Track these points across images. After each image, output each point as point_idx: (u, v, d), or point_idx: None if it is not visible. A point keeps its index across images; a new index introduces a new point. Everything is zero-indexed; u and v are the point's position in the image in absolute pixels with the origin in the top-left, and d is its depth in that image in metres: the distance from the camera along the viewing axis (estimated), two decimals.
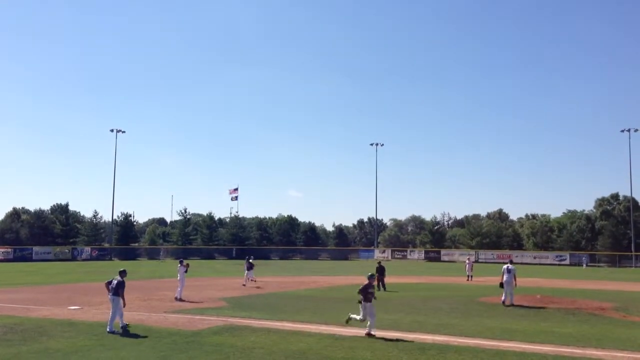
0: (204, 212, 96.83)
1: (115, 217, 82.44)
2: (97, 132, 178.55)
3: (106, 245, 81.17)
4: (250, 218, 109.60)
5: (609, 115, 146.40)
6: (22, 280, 34.49)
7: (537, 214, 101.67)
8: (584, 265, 64.95)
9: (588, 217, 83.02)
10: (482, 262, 66.45)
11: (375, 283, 14.49)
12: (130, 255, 73.84)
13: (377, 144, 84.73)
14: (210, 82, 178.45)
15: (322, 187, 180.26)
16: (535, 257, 70.60)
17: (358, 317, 14.26)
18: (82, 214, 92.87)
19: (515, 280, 21.52)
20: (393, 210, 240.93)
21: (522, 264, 61.26)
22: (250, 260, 31.60)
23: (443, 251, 79.82)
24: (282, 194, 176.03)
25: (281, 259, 76.16)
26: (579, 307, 20.25)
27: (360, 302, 14.17)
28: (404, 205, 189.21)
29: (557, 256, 70.14)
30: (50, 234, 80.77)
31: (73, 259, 67.67)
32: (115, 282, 15.00)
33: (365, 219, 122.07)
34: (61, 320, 16.16)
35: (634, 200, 74.45)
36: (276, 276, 39.34)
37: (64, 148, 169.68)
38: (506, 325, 15.82)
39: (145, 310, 18.67)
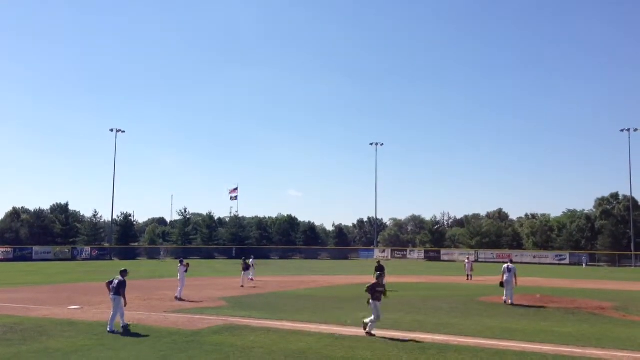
0: (204, 212, 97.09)
1: (115, 216, 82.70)
2: (97, 132, 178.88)
3: (106, 245, 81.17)
4: (250, 218, 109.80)
5: (608, 115, 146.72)
6: (22, 280, 34.50)
7: (536, 214, 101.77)
8: (584, 264, 64.97)
9: (588, 217, 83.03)
10: (482, 262, 66.49)
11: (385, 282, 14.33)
12: (130, 255, 73.83)
13: (376, 144, 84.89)
14: (210, 82, 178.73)
15: (322, 186, 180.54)
16: (535, 257, 70.60)
17: (372, 318, 13.95)
18: (82, 214, 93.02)
19: (515, 279, 21.56)
20: (393, 209, 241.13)
21: (521, 263, 61.26)
22: (249, 261, 31.63)
23: (443, 251, 79.84)
24: (282, 193, 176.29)
25: (281, 258, 76.18)
26: (578, 307, 20.26)
27: (368, 301, 14.04)
28: (404, 205, 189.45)
29: (556, 256, 70.14)
30: (50, 233, 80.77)
31: (73, 258, 67.68)
32: (116, 281, 15.01)
33: (365, 219, 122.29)
34: (61, 320, 16.16)
35: (633, 200, 74.48)
36: (276, 276, 39.36)
37: (64, 148, 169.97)
38: (506, 325, 15.82)
39: (145, 310, 18.67)
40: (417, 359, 11.24)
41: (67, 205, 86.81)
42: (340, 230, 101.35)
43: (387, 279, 29.06)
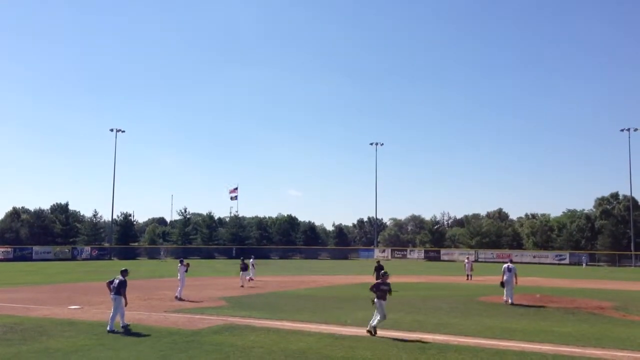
0: (204, 212, 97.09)
1: (115, 216, 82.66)
2: (96, 132, 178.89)
3: (106, 244, 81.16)
4: (250, 217, 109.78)
5: (608, 115, 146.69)
6: (22, 279, 34.50)
7: (536, 214, 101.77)
8: (584, 264, 64.96)
9: (588, 217, 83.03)
10: (481, 262, 66.49)
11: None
12: (130, 254, 73.82)
13: (376, 144, 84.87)
14: (210, 82, 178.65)
15: (322, 186, 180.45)
16: (534, 257, 70.61)
17: (378, 319, 13.84)
18: (82, 214, 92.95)
19: (516, 278, 21.60)
20: (393, 209, 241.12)
21: (521, 263, 61.28)
22: (248, 261, 31.56)
23: (443, 251, 79.84)
24: (282, 193, 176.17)
25: (281, 258, 76.18)
26: (578, 307, 20.27)
27: (373, 301, 13.98)
28: (404, 205, 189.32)
29: (556, 255, 70.14)
30: (50, 233, 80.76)
31: (73, 258, 67.68)
32: (117, 281, 15.04)
33: (365, 219, 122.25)
34: (61, 320, 16.17)
35: (633, 200, 74.48)
36: (276, 275, 39.37)
37: (64, 148, 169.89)
38: (506, 325, 15.83)
39: (145, 310, 18.68)
40: (417, 358, 11.25)
41: (67, 205, 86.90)
42: (340, 230, 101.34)
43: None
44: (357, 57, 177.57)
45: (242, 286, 29.00)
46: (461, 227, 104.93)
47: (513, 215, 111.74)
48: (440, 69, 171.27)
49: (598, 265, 66.29)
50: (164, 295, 23.60)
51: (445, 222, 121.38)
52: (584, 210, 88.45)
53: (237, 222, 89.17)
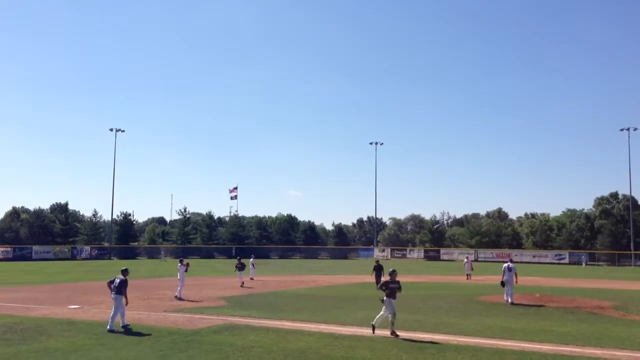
0: (204, 211, 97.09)
1: (114, 216, 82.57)
2: (96, 131, 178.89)
3: (106, 244, 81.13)
4: (249, 217, 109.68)
5: (608, 115, 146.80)
6: (21, 279, 34.50)
7: (536, 213, 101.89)
8: (583, 264, 64.97)
9: (587, 216, 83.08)
10: (481, 261, 66.53)
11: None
12: (130, 254, 73.82)
13: (376, 143, 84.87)
14: (210, 82, 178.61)
15: (321, 186, 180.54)
16: (534, 256, 70.65)
17: (389, 316, 13.73)
18: (81, 213, 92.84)
19: (516, 277, 21.63)
20: (392, 209, 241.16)
21: (521, 262, 61.31)
22: (248, 260, 31.57)
23: (442, 250, 79.87)
24: (282, 193, 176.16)
25: (281, 258, 76.20)
26: (578, 306, 20.28)
27: (382, 300, 13.89)
28: (404, 205, 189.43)
29: (556, 255, 70.17)
30: (49, 233, 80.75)
31: (73, 258, 67.69)
32: (117, 280, 15.05)
33: (365, 218, 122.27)
34: (61, 320, 16.16)
35: (633, 199, 74.52)
36: (276, 275, 39.36)
37: (63, 148, 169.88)
38: (505, 324, 15.83)
39: (145, 309, 18.68)
40: (416, 358, 11.25)
41: (66, 204, 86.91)
42: (339, 230, 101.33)
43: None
44: (357, 57, 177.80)
45: (241, 285, 29.02)
46: (461, 226, 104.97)
47: (513, 215, 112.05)
48: (440, 69, 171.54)
49: (598, 265, 66.32)
50: (163, 295, 23.60)
51: (445, 222, 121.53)
52: (583, 209, 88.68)
53: (237, 221, 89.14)
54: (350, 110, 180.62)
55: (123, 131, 75.28)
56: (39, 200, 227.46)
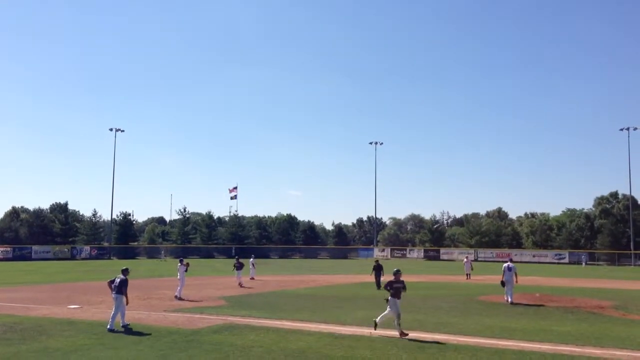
0: (204, 211, 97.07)
1: (114, 216, 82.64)
2: (96, 131, 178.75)
3: (105, 244, 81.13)
4: (249, 217, 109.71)
5: (608, 115, 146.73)
6: (21, 279, 34.49)
7: (536, 213, 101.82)
8: (583, 263, 64.97)
9: (587, 216, 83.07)
10: (481, 261, 66.56)
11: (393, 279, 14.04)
12: (130, 254, 73.86)
13: (376, 143, 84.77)
14: (210, 82, 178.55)
15: (321, 186, 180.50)
16: (534, 256, 70.67)
17: (384, 315, 13.73)
18: (81, 213, 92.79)
19: (516, 277, 21.64)
20: (392, 209, 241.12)
21: (521, 262, 61.33)
22: (248, 260, 31.54)
23: (442, 250, 79.89)
24: (282, 193, 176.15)
25: (280, 257, 76.23)
26: (578, 306, 20.29)
27: (387, 300, 13.86)
28: (404, 204, 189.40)
29: (556, 255, 70.19)
30: (49, 233, 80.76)
31: (72, 258, 67.71)
32: (118, 280, 15.06)
33: (365, 218, 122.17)
34: (61, 319, 16.16)
35: (633, 199, 74.52)
36: (275, 275, 39.36)
37: (63, 148, 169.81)
38: (505, 324, 15.83)
39: (145, 309, 18.68)
40: (416, 357, 11.25)
41: (66, 204, 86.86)
42: (339, 230, 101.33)
43: (386, 278, 29.22)
44: (357, 57, 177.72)
45: (239, 285, 28.96)
46: (461, 226, 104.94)
47: (512, 215, 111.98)
48: (440, 69, 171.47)
49: (597, 265, 66.32)
50: (163, 295, 23.60)
51: (445, 222, 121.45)
52: (583, 209, 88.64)
53: (237, 221, 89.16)
54: (350, 110, 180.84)
55: (123, 131, 75.42)
56: (38, 200, 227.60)
